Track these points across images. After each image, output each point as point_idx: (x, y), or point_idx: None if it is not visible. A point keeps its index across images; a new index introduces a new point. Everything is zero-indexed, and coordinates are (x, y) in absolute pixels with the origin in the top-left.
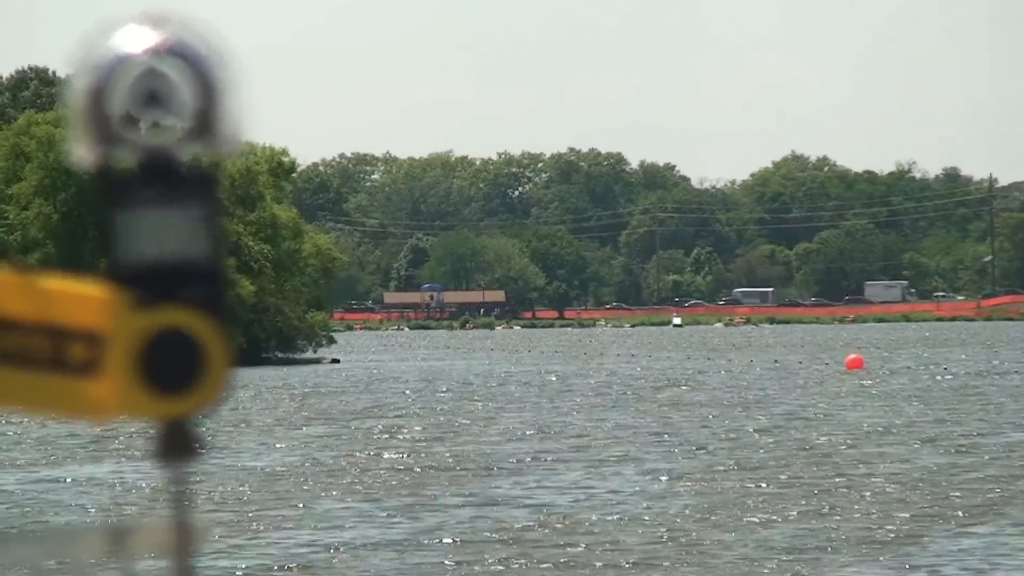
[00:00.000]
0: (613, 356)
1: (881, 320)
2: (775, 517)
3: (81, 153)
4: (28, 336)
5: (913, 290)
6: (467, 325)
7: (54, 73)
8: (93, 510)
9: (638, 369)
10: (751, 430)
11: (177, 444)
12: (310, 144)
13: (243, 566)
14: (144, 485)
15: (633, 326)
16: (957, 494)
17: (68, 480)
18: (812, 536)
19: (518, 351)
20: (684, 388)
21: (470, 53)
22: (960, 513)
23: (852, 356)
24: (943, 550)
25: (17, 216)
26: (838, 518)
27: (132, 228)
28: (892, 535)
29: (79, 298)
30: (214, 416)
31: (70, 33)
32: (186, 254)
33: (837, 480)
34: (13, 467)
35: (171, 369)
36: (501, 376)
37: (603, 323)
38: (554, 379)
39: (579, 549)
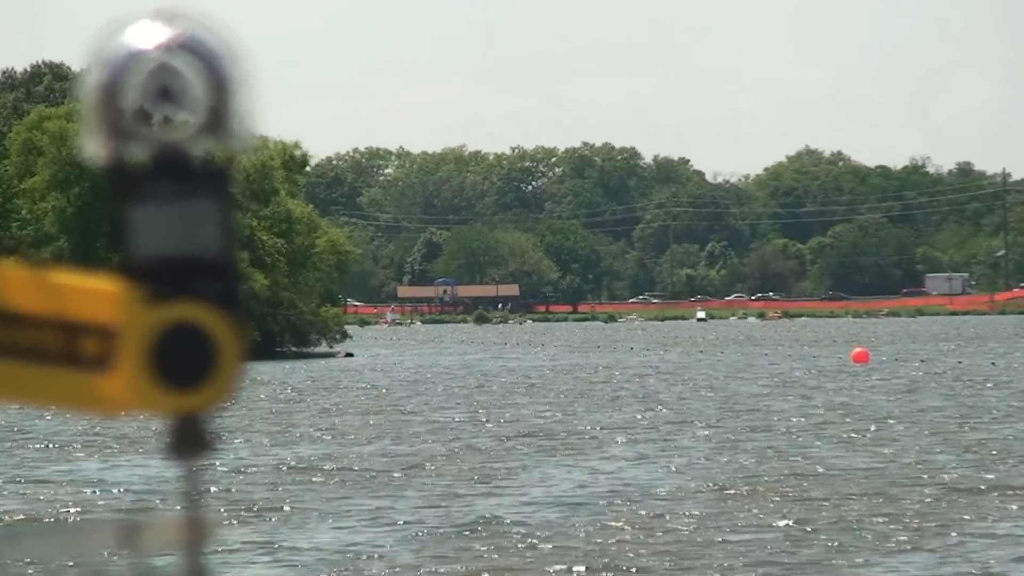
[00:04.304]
0: (677, 352)
1: (895, 315)
2: (801, 514)
3: (94, 148)
4: (41, 331)
5: (973, 283)
6: (495, 320)
7: (68, 68)
8: (105, 505)
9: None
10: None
11: (189, 439)
12: (324, 139)
13: (256, 562)
14: (156, 480)
15: (661, 319)
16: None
17: (81, 475)
18: (842, 533)
19: (539, 345)
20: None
21: (483, 48)
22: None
23: (858, 350)
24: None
25: (31, 210)
26: (858, 515)
27: (144, 223)
28: (910, 532)
29: (92, 293)
30: (227, 410)
31: (83, 28)
32: (198, 249)
33: (847, 480)
34: (25, 463)
35: (183, 364)
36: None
37: (634, 317)
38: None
39: (612, 543)
